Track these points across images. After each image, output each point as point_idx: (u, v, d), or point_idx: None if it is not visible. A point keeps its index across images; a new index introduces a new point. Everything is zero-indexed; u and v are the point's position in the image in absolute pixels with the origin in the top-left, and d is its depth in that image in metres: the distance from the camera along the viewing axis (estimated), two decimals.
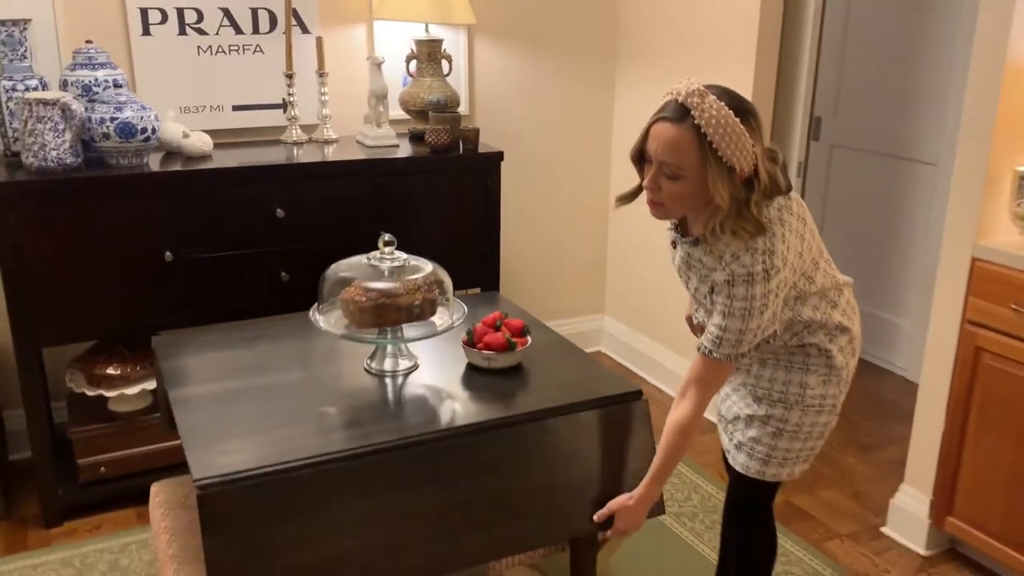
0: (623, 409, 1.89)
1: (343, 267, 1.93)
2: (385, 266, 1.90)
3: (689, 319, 2.07)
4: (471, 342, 1.98)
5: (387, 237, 1.91)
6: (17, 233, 2.44)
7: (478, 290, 3.03)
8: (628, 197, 1.77)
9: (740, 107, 1.58)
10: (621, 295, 3.89)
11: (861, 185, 3.96)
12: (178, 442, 2.76)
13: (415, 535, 1.66)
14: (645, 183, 1.67)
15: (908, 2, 3.62)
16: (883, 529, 2.73)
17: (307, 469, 1.60)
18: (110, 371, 2.72)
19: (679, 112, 1.57)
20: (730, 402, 1.94)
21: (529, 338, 2.02)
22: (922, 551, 2.62)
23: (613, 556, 2.38)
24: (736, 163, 1.57)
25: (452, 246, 2.95)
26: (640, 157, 1.68)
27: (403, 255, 1.93)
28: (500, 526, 1.74)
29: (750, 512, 1.99)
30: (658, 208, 1.69)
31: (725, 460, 2.09)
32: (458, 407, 1.86)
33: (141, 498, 2.70)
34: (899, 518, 2.69)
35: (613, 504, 1.82)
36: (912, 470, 2.65)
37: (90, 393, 2.73)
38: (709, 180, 1.58)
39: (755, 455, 1.86)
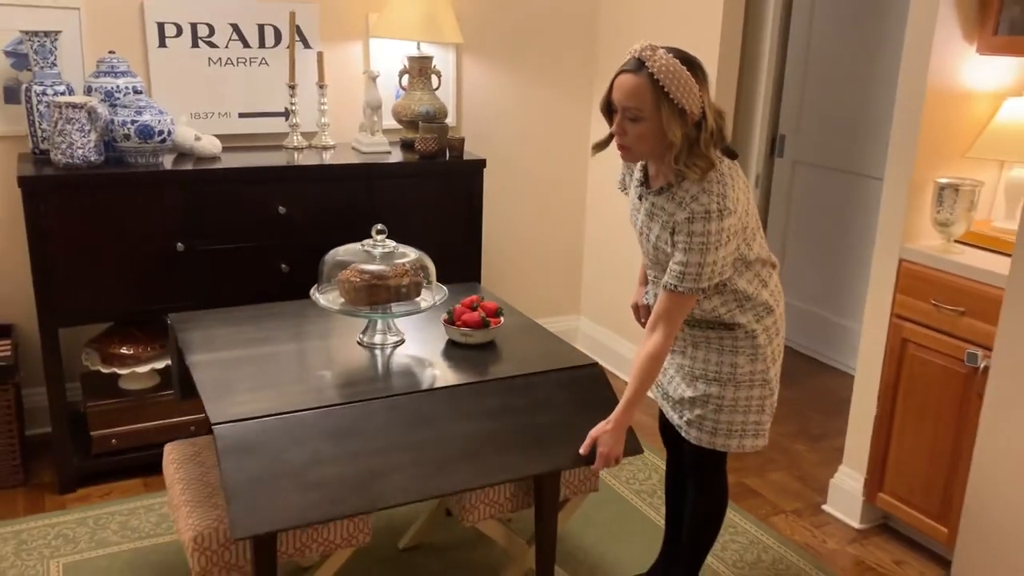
0: (581, 375, 2.18)
1: (341, 252, 2.21)
2: (377, 252, 2.19)
3: (635, 307, 2.34)
4: (451, 320, 2.27)
5: (379, 226, 2.20)
6: (45, 222, 2.70)
7: None
8: (601, 144, 2.04)
9: (686, 59, 1.87)
10: (596, 296, 4.18)
11: (821, 199, 4.27)
12: (182, 419, 3.05)
13: (405, 463, 1.90)
14: (614, 128, 1.93)
15: (863, 32, 3.95)
16: (824, 506, 3.02)
17: (306, 413, 1.88)
18: (124, 351, 2.98)
19: (636, 64, 1.86)
20: (675, 383, 2.20)
21: (502, 318, 2.30)
22: (857, 525, 2.90)
23: (570, 520, 2.65)
24: (686, 105, 1.84)
25: (438, 245, 3.20)
26: (608, 109, 1.95)
27: (392, 243, 2.22)
28: (486, 457, 1.97)
29: (705, 477, 2.26)
30: (626, 152, 1.95)
31: (665, 433, 2.36)
32: (438, 373, 2.14)
33: (148, 468, 2.98)
34: (837, 496, 2.98)
35: (594, 431, 2.02)
36: (849, 452, 2.94)
37: (104, 371, 2.99)
38: (664, 119, 1.84)
39: (704, 429, 2.13)
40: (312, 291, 2.24)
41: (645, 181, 2.06)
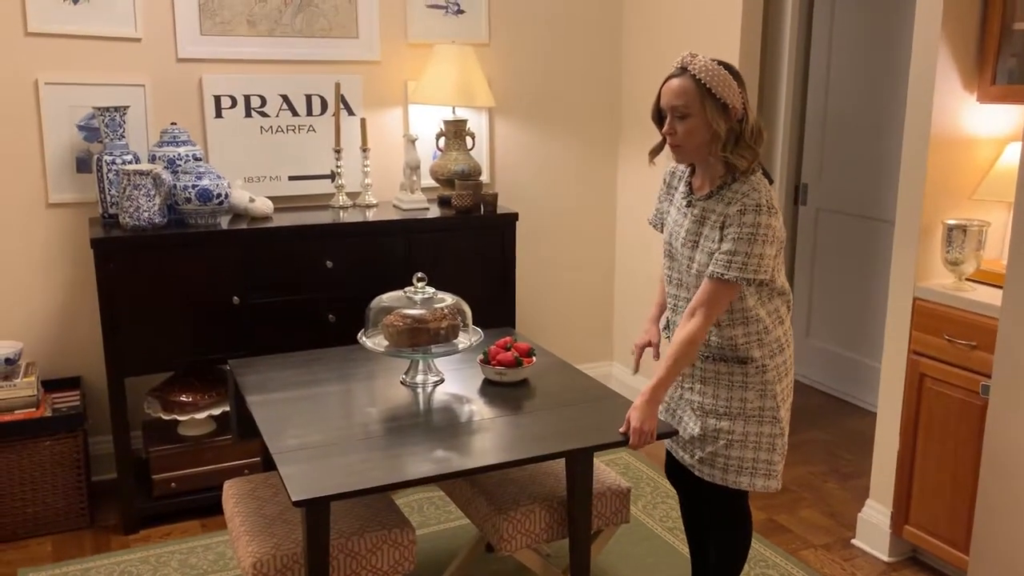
0: (612, 405, 2.34)
1: (385, 299, 2.42)
2: (418, 297, 2.38)
3: (640, 347, 2.44)
4: (486, 360, 2.44)
5: (419, 274, 2.40)
6: (115, 279, 2.95)
7: None
8: (656, 149, 2.20)
9: (725, 64, 2.07)
10: (628, 342, 4.31)
11: (844, 244, 4.40)
12: (236, 462, 3.23)
13: (443, 454, 2.08)
14: (665, 129, 2.11)
15: (878, 82, 4.13)
16: (853, 541, 3.09)
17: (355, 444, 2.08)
18: (183, 398, 3.19)
19: (679, 70, 2.07)
20: (683, 423, 2.30)
21: (534, 358, 2.47)
22: (885, 558, 2.97)
23: (605, 553, 2.77)
24: (728, 100, 2.03)
25: (474, 293, 3.39)
26: (658, 116, 2.13)
27: (432, 289, 2.41)
28: (518, 442, 2.15)
29: (727, 515, 2.35)
30: (678, 150, 2.11)
31: (673, 474, 2.47)
32: (475, 408, 2.32)
33: (205, 510, 3.17)
34: (866, 530, 3.06)
35: (629, 411, 2.14)
36: (875, 486, 3.03)
37: (165, 418, 3.20)
38: (708, 114, 2.02)
39: (716, 466, 2.22)
40: (359, 335, 2.43)
41: (690, 193, 2.21)
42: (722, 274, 2.05)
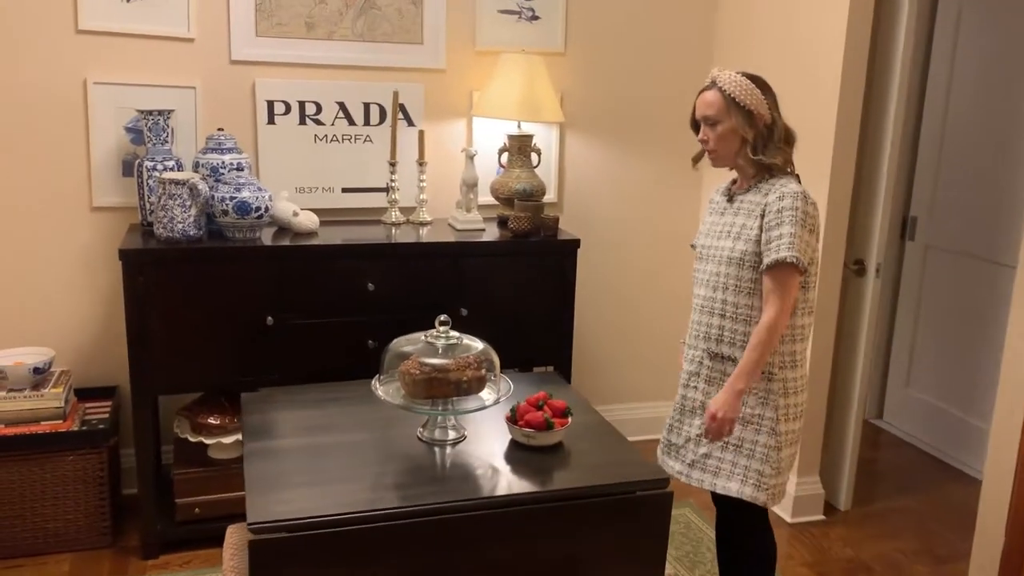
0: (645, 499, 2.00)
1: (403, 342, 2.14)
2: (440, 343, 2.10)
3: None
4: (514, 418, 2.14)
5: (443, 318, 2.12)
6: (144, 293, 2.79)
7: (551, 368, 3.18)
8: (698, 157, 2.39)
9: (752, 76, 2.22)
10: None
11: (957, 287, 3.91)
12: None
13: None
14: (700, 137, 2.27)
15: (1009, 105, 3.62)
16: None
17: (354, 523, 1.79)
18: (211, 420, 3.02)
19: (709, 84, 2.24)
20: (685, 426, 2.33)
21: (570, 419, 2.16)
22: None
23: None
24: (752, 108, 2.17)
25: (527, 325, 3.13)
26: (695, 127, 2.30)
27: (457, 334, 2.13)
28: None
29: (744, 531, 2.35)
30: (713, 154, 2.26)
31: (713, 496, 2.38)
32: (498, 479, 2.01)
33: None
34: None
35: (710, 403, 2.17)
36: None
37: (192, 439, 3.03)
38: (736, 121, 2.18)
39: (707, 469, 2.27)
40: (373, 381, 2.17)
41: (729, 196, 2.33)
42: (779, 259, 2.09)
